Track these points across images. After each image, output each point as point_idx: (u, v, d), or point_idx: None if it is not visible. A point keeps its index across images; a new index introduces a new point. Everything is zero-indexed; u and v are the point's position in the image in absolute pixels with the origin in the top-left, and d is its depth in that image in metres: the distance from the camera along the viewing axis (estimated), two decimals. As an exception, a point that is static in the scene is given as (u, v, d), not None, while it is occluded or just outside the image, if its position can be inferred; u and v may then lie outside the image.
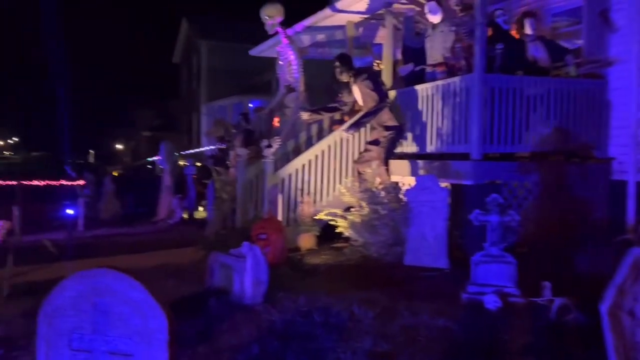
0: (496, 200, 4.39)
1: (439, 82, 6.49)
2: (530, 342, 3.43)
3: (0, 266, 5.30)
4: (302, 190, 6.89)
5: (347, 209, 6.42)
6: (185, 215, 10.48)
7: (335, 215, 6.39)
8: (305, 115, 7.16)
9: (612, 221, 6.50)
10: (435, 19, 6.87)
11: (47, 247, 7.28)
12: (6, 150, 63.65)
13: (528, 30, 6.77)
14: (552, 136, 6.34)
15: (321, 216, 6.61)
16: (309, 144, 7.48)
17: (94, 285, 1.94)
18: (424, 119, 6.77)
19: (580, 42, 7.16)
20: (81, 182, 11.80)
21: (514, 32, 6.89)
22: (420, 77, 7.15)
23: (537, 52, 6.78)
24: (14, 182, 12.40)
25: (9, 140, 66.13)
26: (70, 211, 9.20)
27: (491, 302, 4.07)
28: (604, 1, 6.68)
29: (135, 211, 12.29)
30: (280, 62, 8.44)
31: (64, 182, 14.26)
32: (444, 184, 6.24)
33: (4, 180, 14.61)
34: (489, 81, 5.94)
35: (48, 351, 1.98)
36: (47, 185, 14.49)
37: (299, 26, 8.98)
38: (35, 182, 14.32)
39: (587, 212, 6.29)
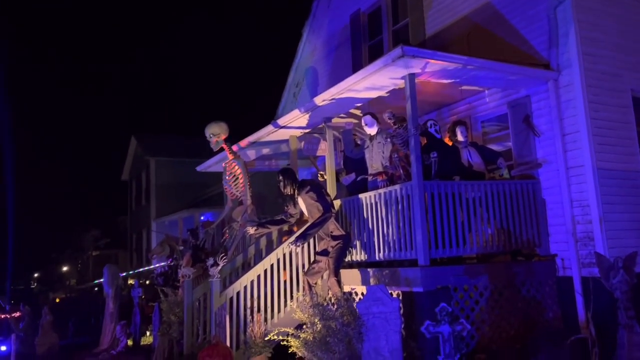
0: (445, 309, 4.32)
1: (381, 191, 6.62)
2: None
3: None
4: (252, 308, 6.58)
5: (300, 326, 6.13)
6: (130, 342, 9.77)
7: (286, 334, 6.07)
8: (251, 230, 7.05)
9: (565, 318, 6.49)
10: (371, 131, 7.21)
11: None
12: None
13: (460, 137, 7.15)
14: (495, 237, 6.47)
15: (272, 336, 6.28)
16: (258, 257, 7.29)
17: None
18: (370, 226, 6.80)
19: (510, 144, 7.58)
20: (16, 315, 10.99)
21: (447, 140, 7.25)
22: (364, 186, 7.30)
23: (471, 157, 7.11)
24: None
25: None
26: (2, 348, 8.48)
27: (452, 422, 3.83)
28: (525, 108, 7.19)
29: (76, 342, 11.42)
30: (226, 177, 8.48)
31: (-4, 315, 13.27)
32: (395, 292, 6.13)
33: None
34: (428, 188, 6.10)
35: None
36: (-22, 320, 13.42)
37: (243, 142, 9.16)
38: (-37, 318, 13.24)
39: (539, 311, 6.27)
